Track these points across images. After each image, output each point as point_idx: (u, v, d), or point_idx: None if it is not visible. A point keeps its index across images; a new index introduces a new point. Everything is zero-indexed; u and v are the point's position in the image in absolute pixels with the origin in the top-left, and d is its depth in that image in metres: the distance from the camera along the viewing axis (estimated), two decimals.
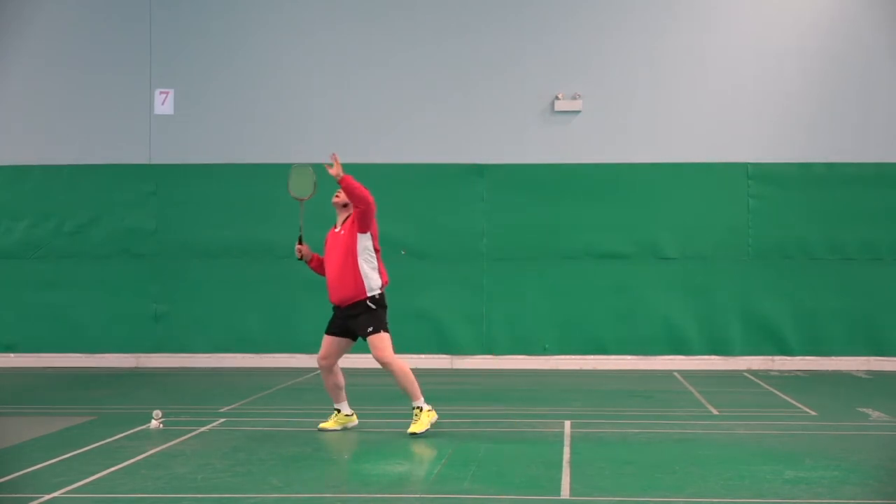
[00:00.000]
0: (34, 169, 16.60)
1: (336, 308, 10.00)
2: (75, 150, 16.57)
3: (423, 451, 9.16)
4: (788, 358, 15.89)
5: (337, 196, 10.04)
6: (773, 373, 15.45)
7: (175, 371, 15.85)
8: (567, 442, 9.58)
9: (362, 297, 9.84)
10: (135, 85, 16.48)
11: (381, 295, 9.93)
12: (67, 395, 13.43)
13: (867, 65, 15.92)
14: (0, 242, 16.57)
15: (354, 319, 9.86)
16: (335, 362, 10.01)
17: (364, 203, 9.76)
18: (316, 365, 10.49)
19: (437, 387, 13.81)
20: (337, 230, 10.02)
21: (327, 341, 9.98)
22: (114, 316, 16.40)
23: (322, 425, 10.17)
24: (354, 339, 9.99)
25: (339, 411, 10.18)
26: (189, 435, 9.92)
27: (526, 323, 16.13)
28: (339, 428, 10.16)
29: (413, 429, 9.87)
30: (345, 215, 10.05)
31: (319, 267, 10.17)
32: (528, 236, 16.15)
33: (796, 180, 15.97)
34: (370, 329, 9.82)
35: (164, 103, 16.44)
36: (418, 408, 9.93)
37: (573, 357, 16.04)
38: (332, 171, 9.75)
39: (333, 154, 9.85)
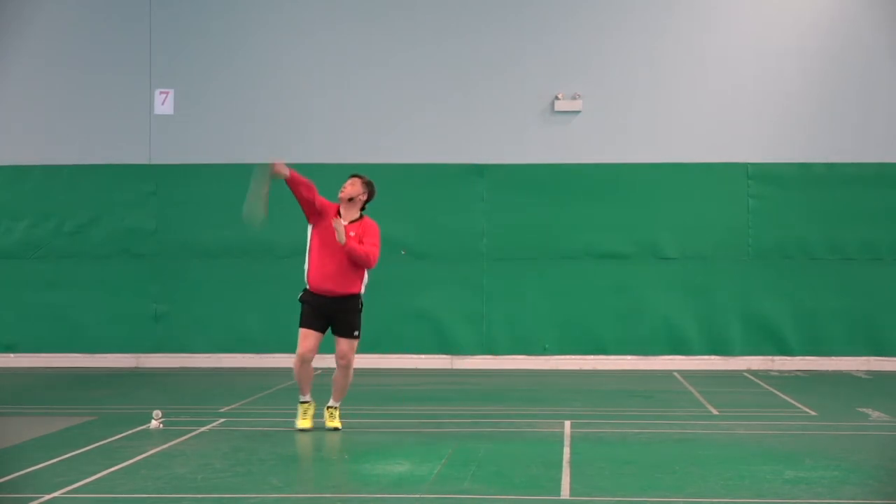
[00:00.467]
0: (34, 169, 16.60)
1: (320, 297, 9.92)
2: (75, 150, 16.56)
3: (423, 451, 9.16)
4: (788, 358, 15.89)
5: (343, 190, 10.03)
6: (773, 373, 15.45)
7: (175, 371, 15.85)
8: (567, 442, 9.58)
9: (357, 291, 9.99)
10: (135, 85, 16.48)
11: None
12: (67, 395, 13.43)
13: (867, 65, 15.92)
14: (0, 242, 16.57)
15: (343, 314, 9.92)
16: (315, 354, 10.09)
17: (367, 266, 9.98)
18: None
19: (438, 387, 13.82)
20: (345, 224, 9.96)
21: (312, 336, 9.94)
22: (114, 316, 16.40)
23: (302, 425, 10.08)
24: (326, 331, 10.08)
25: (309, 403, 10.14)
26: (189, 435, 9.92)
27: (526, 323, 16.13)
28: (312, 425, 10.13)
29: (337, 423, 10.16)
30: (352, 212, 10.03)
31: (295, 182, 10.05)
32: (528, 236, 16.15)
33: (796, 180, 15.97)
34: (356, 332, 10.02)
35: (164, 103, 16.43)
36: (337, 408, 10.25)
37: (573, 357, 16.04)
38: (338, 239, 9.77)
39: (339, 222, 9.77)
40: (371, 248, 9.94)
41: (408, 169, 16.21)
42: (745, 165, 16.02)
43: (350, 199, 10.03)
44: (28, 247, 16.55)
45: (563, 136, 16.22)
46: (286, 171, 9.90)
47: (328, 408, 10.27)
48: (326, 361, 11.37)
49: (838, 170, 15.94)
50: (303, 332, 9.98)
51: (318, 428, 10.21)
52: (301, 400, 10.16)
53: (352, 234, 9.93)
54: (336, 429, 10.15)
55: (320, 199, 10.00)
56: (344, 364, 10.07)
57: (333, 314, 9.95)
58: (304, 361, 9.98)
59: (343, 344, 10.01)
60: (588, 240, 16.08)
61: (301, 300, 10.07)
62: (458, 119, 16.34)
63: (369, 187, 10.15)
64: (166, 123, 16.47)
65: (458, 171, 16.26)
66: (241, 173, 16.31)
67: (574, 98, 16.19)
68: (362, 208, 10.15)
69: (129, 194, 16.51)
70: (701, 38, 16.16)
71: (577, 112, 16.20)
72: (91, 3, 16.69)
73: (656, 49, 16.18)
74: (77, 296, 16.45)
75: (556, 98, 16.19)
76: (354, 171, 10.38)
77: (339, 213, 10.02)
